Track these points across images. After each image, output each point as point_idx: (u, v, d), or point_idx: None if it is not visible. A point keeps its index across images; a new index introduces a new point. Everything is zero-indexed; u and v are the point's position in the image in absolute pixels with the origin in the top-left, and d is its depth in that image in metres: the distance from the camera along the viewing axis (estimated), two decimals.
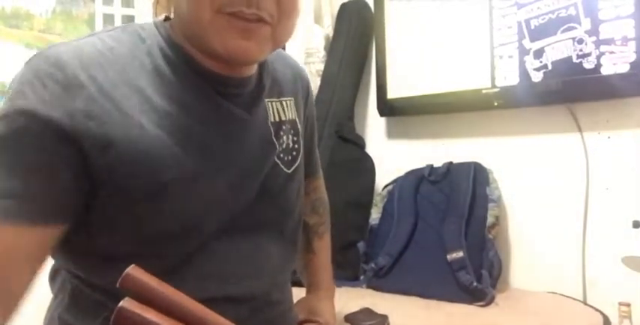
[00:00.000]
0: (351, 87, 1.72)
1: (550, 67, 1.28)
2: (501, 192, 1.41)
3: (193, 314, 0.49)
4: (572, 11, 1.24)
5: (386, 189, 1.58)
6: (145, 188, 0.61)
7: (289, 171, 0.77)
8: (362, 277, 1.46)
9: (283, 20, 0.63)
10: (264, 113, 0.74)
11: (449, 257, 1.29)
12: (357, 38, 1.72)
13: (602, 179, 1.28)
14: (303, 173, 0.82)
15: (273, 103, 0.76)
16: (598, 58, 1.19)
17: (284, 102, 0.79)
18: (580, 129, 1.32)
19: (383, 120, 1.77)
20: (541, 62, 1.30)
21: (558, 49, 1.26)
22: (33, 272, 0.58)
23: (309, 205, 0.94)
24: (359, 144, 1.69)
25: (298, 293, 0.91)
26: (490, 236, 1.33)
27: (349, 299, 1.24)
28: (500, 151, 1.46)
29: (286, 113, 0.78)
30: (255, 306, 0.72)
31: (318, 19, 1.82)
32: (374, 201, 1.60)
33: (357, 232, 1.55)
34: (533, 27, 1.31)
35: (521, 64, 1.33)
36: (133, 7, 1.75)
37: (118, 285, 0.46)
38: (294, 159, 0.78)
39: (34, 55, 0.61)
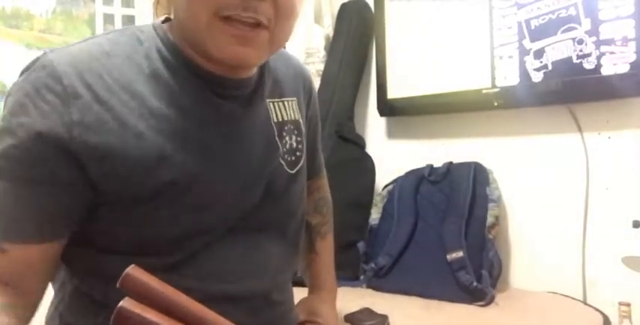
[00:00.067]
0: (351, 87, 1.72)
1: (550, 67, 1.28)
2: (501, 192, 1.41)
3: (193, 314, 0.49)
4: (572, 11, 1.24)
5: (386, 189, 1.58)
6: (145, 194, 0.61)
7: (292, 172, 0.77)
8: (362, 277, 1.46)
9: (281, 23, 0.63)
10: (265, 113, 0.74)
11: (449, 257, 1.29)
12: (357, 38, 1.72)
13: (602, 179, 1.28)
14: (305, 173, 0.82)
15: (275, 103, 0.76)
16: (598, 58, 1.19)
17: (286, 103, 0.78)
18: (580, 130, 1.32)
19: (383, 120, 1.77)
20: (541, 62, 1.30)
21: (558, 49, 1.26)
22: (48, 275, 0.65)
23: (312, 205, 0.94)
24: (359, 144, 1.69)
25: (299, 294, 0.91)
26: (490, 236, 1.33)
27: (349, 299, 1.24)
28: (500, 151, 1.46)
29: (288, 113, 0.78)
30: (255, 306, 0.72)
31: (318, 19, 1.82)
32: (374, 201, 1.60)
33: (357, 232, 1.55)
34: (533, 27, 1.31)
35: (522, 64, 1.33)
36: (133, 7, 1.74)
37: (118, 285, 0.46)
38: (298, 159, 0.78)
39: (31, 63, 0.61)
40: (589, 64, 1.21)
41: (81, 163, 0.59)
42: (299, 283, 0.93)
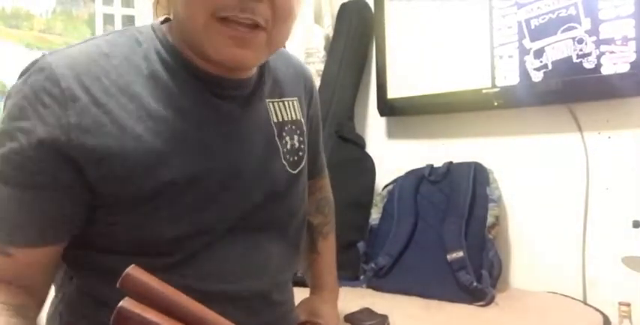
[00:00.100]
0: (351, 87, 1.72)
1: (550, 67, 1.28)
2: (501, 192, 1.41)
3: (193, 314, 0.49)
4: (572, 11, 1.24)
5: (386, 189, 1.58)
6: (144, 195, 0.62)
7: (295, 172, 0.77)
8: (362, 277, 1.46)
9: (278, 25, 0.62)
10: (265, 114, 0.73)
11: (449, 257, 1.29)
12: (357, 38, 1.72)
13: (602, 179, 1.28)
14: (306, 173, 0.82)
15: (275, 103, 0.76)
16: (598, 57, 1.19)
17: (286, 103, 0.78)
18: (580, 129, 1.32)
19: (383, 120, 1.77)
20: (541, 62, 1.30)
21: (558, 48, 1.26)
22: (52, 274, 0.67)
23: (314, 205, 0.94)
24: (359, 144, 1.69)
25: (300, 294, 0.90)
26: (490, 236, 1.33)
27: (349, 299, 1.24)
28: (500, 151, 1.46)
29: (289, 113, 0.78)
30: (254, 306, 0.72)
31: (318, 19, 1.82)
32: (374, 201, 1.60)
33: (357, 232, 1.55)
34: (533, 27, 1.31)
35: (522, 63, 1.33)
36: (133, 7, 1.74)
37: (118, 285, 0.46)
38: (300, 159, 0.78)
39: (30, 65, 0.62)
40: (589, 64, 1.21)
41: (78, 166, 0.59)
42: (300, 283, 0.93)
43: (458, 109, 1.52)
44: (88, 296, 0.67)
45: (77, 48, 0.63)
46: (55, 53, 0.62)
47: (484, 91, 1.42)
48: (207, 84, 0.66)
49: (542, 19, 1.29)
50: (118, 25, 1.71)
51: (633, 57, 1.15)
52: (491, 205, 1.36)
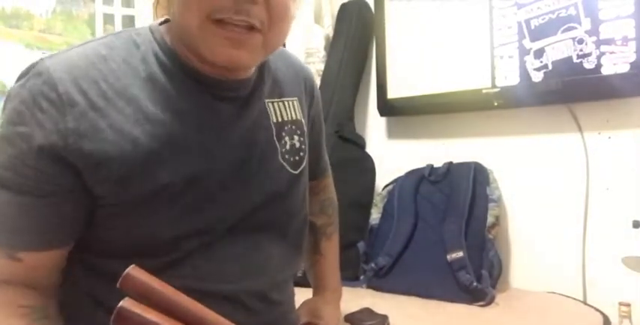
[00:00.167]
0: (351, 87, 1.72)
1: (550, 67, 1.28)
2: (501, 192, 1.41)
3: (193, 314, 0.49)
4: (572, 11, 1.24)
5: (386, 189, 1.58)
6: (142, 198, 0.62)
7: (296, 173, 0.76)
8: (362, 277, 1.46)
9: (274, 26, 0.62)
10: (264, 114, 0.73)
11: (449, 257, 1.29)
12: (357, 38, 1.72)
13: (602, 179, 1.28)
14: (307, 173, 0.82)
15: (275, 104, 0.76)
16: (598, 58, 1.19)
17: (286, 103, 0.78)
18: (580, 129, 1.32)
19: (383, 120, 1.77)
20: (541, 62, 1.30)
21: (558, 48, 1.26)
22: (59, 271, 0.67)
23: (317, 205, 0.94)
24: (359, 144, 1.69)
25: (300, 294, 0.90)
26: (490, 236, 1.33)
27: (349, 299, 1.24)
28: (500, 151, 1.46)
29: (289, 113, 0.78)
30: (253, 306, 0.72)
31: (318, 19, 1.82)
32: (374, 201, 1.60)
33: (357, 232, 1.55)
34: (533, 27, 1.31)
35: (522, 63, 1.33)
36: (133, 7, 1.74)
37: (118, 285, 0.47)
38: (301, 160, 0.78)
39: (28, 69, 0.62)
40: (589, 64, 1.21)
41: (77, 170, 0.60)
42: (301, 283, 0.92)
43: (458, 109, 1.52)
44: (88, 297, 0.67)
45: (75, 51, 0.63)
46: (53, 57, 0.62)
47: (484, 91, 1.42)
48: (205, 86, 0.66)
49: (542, 19, 1.29)
50: (118, 25, 1.71)
51: (633, 57, 1.14)
52: (491, 205, 1.36)
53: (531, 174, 1.40)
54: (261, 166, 0.72)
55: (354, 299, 1.25)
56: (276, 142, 0.74)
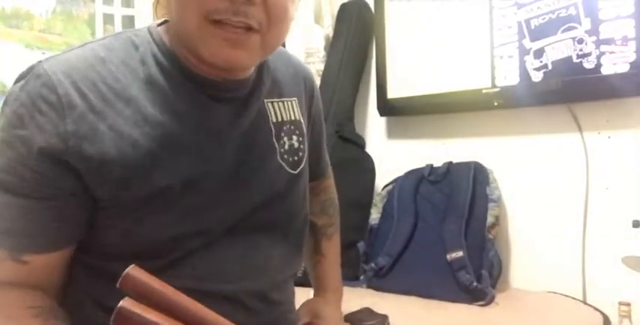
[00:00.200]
0: (351, 87, 1.72)
1: (550, 67, 1.28)
2: (501, 192, 1.41)
3: (193, 314, 0.49)
4: (572, 11, 1.24)
5: (386, 189, 1.58)
6: (141, 200, 0.62)
7: (295, 173, 0.76)
8: (362, 277, 1.46)
9: (273, 28, 0.62)
10: (263, 114, 0.73)
11: (449, 257, 1.29)
12: (357, 38, 1.72)
13: (602, 179, 1.28)
14: (307, 174, 0.82)
15: (274, 104, 0.76)
16: (598, 57, 1.19)
17: (286, 103, 0.78)
18: (580, 129, 1.32)
19: (383, 120, 1.77)
20: (541, 62, 1.30)
21: (558, 48, 1.26)
22: (64, 271, 0.67)
23: (318, 206, 0.94)
24: (359, 144, 1.69)
25: (301, 294, 0.90)
26: (490, 236, 1.33)
27: (349, 299, 1.23)
28: (500, 151, 1.46)
29: (288, 113, 0.77)
30: (253, 306, 0.72)
31: (318, 19, 1.83)
32: (374, 201, 1.60)
33: (357, 232, 1.55)
34: (533, 27, 1.31)
35: (522, 63, 1.33)
36: (133, 7, 1.74)
37: (118, 285, 0.47)
38: (300, 160, 0.78)
39: (26, 72, 0.62)
40: (589, 64, 1.21)
41: (77, 173, 0.60)
42: (301, 283, 0.92)
43: (458, 109, 1.52)
44: (88, 297, 0.67)
45: (73, 53, 0.63)
46: (51, 59, 0.62)
47: (484, 91, 1.42)
48: (204, 87, 0.66)
49: (542, 19, 1.29)
50: (118, 25, 1.71)
51: (633, 57, 1.15)
52: (491, 205, 1.36)
53: (531, 174, 1.40)
54: (260, 166, 0.72)
55: (354, 299, 1.25)
56: (275, 142, 0.74)
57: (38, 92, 0.59)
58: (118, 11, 1.72)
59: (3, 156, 0.60)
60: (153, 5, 1.46)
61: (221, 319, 0.50)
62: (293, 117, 0.78)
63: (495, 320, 1.15)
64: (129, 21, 1.72)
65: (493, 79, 1.40)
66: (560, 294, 1.29)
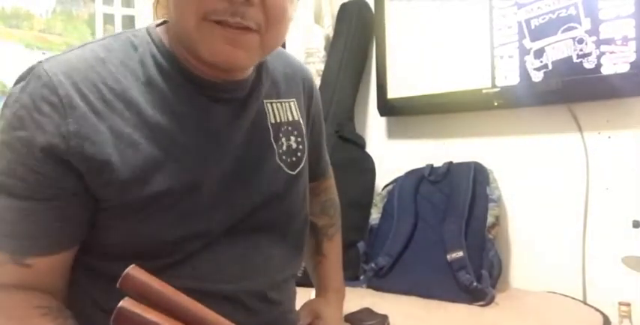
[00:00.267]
0: (351, 87, 1.72)
1: (550, 67, 1.28)
2: (501, 192, 1.41)
3: (193, 314, 0.49)
4: (572, 11, 1.24)
5: (386, 189, 1.58)
6: (141, 202, 0.62)
7: (294, 173, 0.76)
8: (362, 277, 1.46)
9: (271, 28, 0.62)
10: (261, 115, 0.73)
11: (449, 257, 1.29)
12: (357, 38, 1.72)
13: (602, 179, 1.28)
14: (307, 174, 0.82)
15: (273, 104, 0.76)
16: (598, 57, 1.19)
17: (285, 103, 0.78)
18: (580, 129, 1.32)
19: (383, 120, 1.77)
20: (541, 62, 1.30)
21: (558, 48, 1.26)
22: (68, 272, 0.67)
23: (318, 206, 0.94)
24: (359, 144, 1.69)
25: (301, 294, 0.90)
26: (490, 236, 1.33)
27: (349, 299, 1.23)
28: (500, 151, 1.46)
29: (287, 114, 0.77)
30: (254, 306, 0.72)
31: (318, 19, 1.82)
32: (374, 201, 1.60)
33: (357, 232, 1.55)
34: (533, 27, 1.31)
35: (522, 63, 1.33)
36: (133, 7, 1.74)
37: (118, 285, 0.47)
38: (299, 160, 0.78)
39: (26, 73, 0.61)
40: (589, 64, 1.21)
41: (79, 173, 0.59)
42: (302, 283, 0.92)
43: (458, 109, 1.52)
44: (88, 297, 0.67)
45: (73, 54, 0.63)
46: (51, 60, 0.62)
47: (484, 91, 1.42)
48: (203, 88, 0.66)
49: (543, 19, 1.29)
50: (118, 25, 1.71)
51: (633, 57, 1.15)
52: (491, 205, 1.36)
53: (531, 174, 1.40)
54: (258, 167, 0.72)
55: (354, 299, 1.25)
56: (273, 143, 0.74)
57: (39, 93, 0.59)
58: (118, 11, 1.72)
59: (3, 158, 0.59)
60: (153, 5, 1.46)
61: (221, 319, 0.50)
62: (291, 118, 0.78)
63: (495, 320, 1.15)
64: (129, 21, 1.72)
65: (493, 78, 1.40)
66: (560, 294, 1.29)
